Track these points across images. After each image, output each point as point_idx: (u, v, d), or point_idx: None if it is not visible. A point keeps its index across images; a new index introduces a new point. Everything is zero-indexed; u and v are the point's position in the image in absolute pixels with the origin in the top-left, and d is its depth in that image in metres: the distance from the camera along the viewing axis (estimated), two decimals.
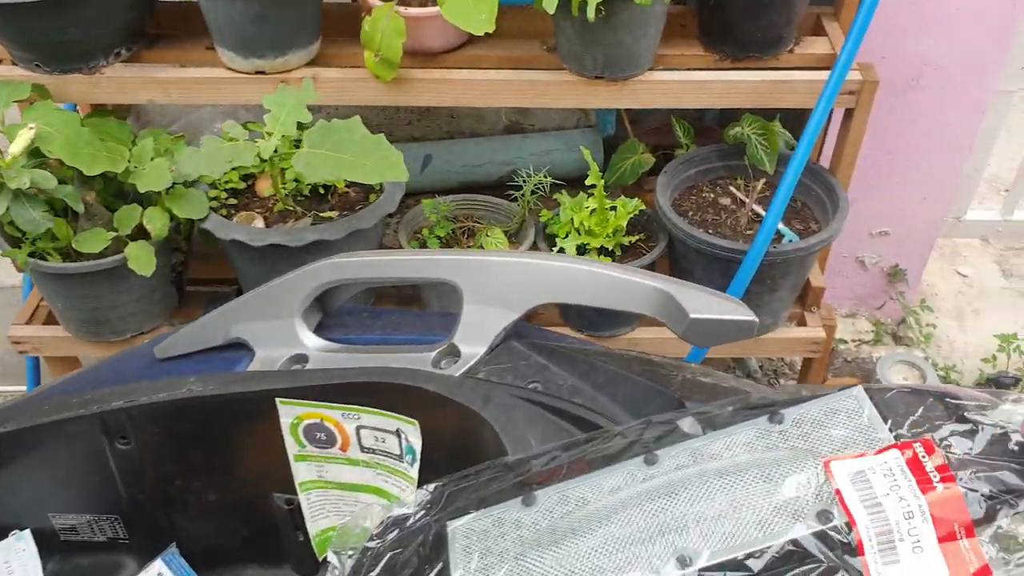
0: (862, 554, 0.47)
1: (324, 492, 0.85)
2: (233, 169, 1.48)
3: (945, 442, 0.50)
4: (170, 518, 0.91)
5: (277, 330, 0.85)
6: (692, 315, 0.67)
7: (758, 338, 1.72)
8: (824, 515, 0.50)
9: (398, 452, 0.80)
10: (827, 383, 1.92)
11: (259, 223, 1.45)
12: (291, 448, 0.83)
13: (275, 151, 1.31)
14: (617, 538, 0.54)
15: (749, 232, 1.55)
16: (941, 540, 0.47)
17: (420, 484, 0.79)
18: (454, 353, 0.79)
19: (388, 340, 0.85)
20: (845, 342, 2.16)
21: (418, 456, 0.78)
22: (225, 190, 1.50)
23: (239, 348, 0.87)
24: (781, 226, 1.56)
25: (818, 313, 1.78)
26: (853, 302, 2.19)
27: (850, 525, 0.48)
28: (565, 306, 1.64)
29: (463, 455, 0.74)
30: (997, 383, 1.95)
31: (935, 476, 0.48)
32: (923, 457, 0.49)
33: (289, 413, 0.80)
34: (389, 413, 0.77)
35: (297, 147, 1.31)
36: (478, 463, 0.68)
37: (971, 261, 2.35)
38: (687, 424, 0.61)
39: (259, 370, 0.82)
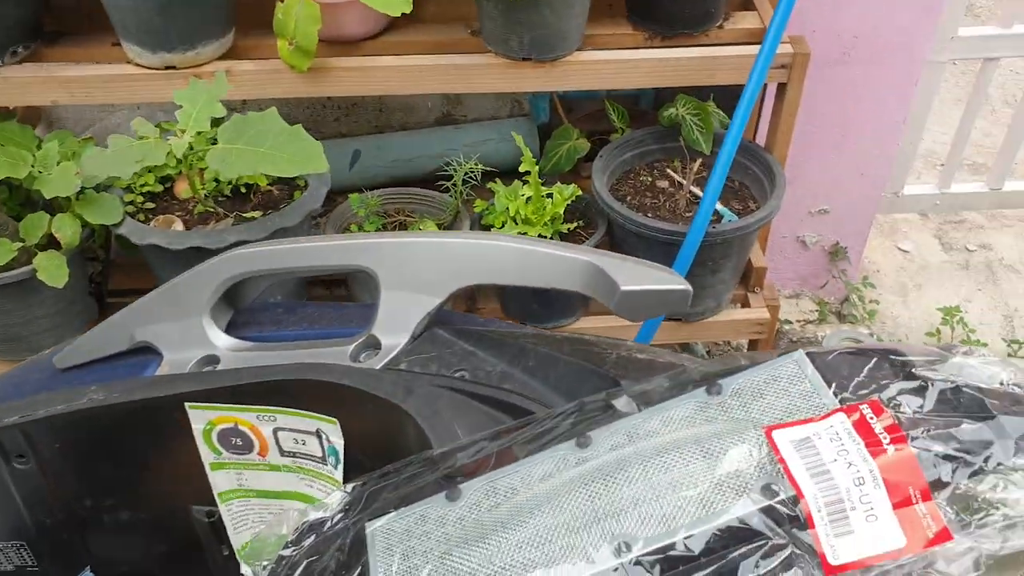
0: (812, 527, 0.43)
1: (246, 501, 0.80)
2: (149, 171, 1.41)
3: (894, 401, 0.46)
4: (83, 540, 0.84)
5: (184, 331, 0.79)
6: (623, 287, 0.63)
7: (702, 322, 1.69)
8: (768, 489, 0.46)
9: (320, 454, 0.74)
10: None
11: (178, 226, 1.38)
12: (206, 456, 0.77)
13: (189, 149, 1.25)
14: (549, 528, 0.50)
15: (688, 214, 1.52)
16: (896, 506, 0.43)
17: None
18: (374, 345, 0.74)
19: (304, 336, 0.79)
20: (790, 323, 2.15)
21: (341, 457, 0.73)
22: (141, 194, 1.42)
23: (146, 352, 0.81)
24: (720, 206, 1.53)
25: (761, 294, 1.76)
26: (796, 282, 2.19)
27: (797, 497, 0.44)
28: (505, 297, 1.59)
29: (389, 452, 0.69)
30: None
31: (885, 438, 0.44)
32: (871, 419, 0.45)
33: (200, 418, 0.74)
34: (307, 413, 0.72)
35: (214, 145, 1.24)
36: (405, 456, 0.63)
37: (911, 236, 2.36)
38: (622, 403, 0.56)
39: (165, 374, 0.76)
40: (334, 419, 0.71)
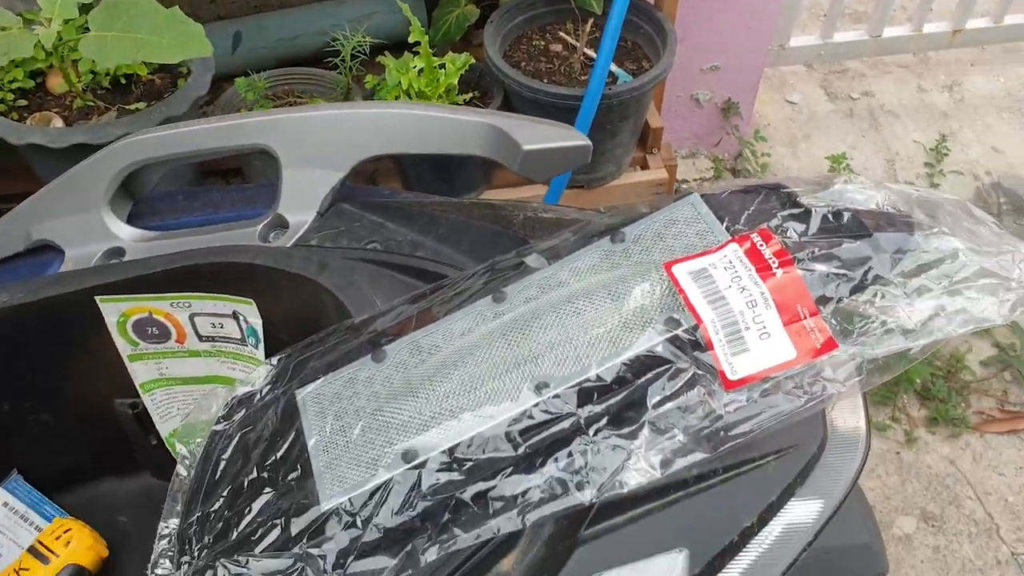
0: (711, 348, 0.47)
1: (168, 390, 0.80)
2: (16, 66, 1.32)
3: (781, 228, 0.49)
4: (6, 445, 0.84)
5: (84, 225, 0.77)
6: (525, 147, 0.64)
7: (604, 187, 1.73)
8: (671, 320, 0.49)
9: (239, 336, 0.75)
10: None
11: (58, 123, 1.32)
12: (123, 348, 0.76)
13: (59, 39, 1.18)
14: (473, 377, 0.52)
15: (583, 77, 1.53)
16: (786, 323, 0.47)
17: None
18: (281, 224, 0.74)
19: (209, 221, 0.78)
20: (687, 182, 2.21)
21: (261, 337, 0.74)
22: (11, 91, 1.34)
23: (45, 251, 0.79)
24: (614, 67, 1.54)
25: (659, 155, 1.80)
26: (692, 141, 2.23)
27: (696, 324, 0.48)
28: (406, 177, 1.59)
29: (311, 328, 0.70)
30: None
31: (774, 262, 0.48)
32: (761, 246, 0.49)
33: (112, 311, 0.73)
34: (221, 296, 0.72)
35: (86, 33, 1.17)
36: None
37: (798, 88, 2.43)
38: (532, 259, 0.59)
39: (69, 271, 0.74)
40: (250, 300, 0.71)
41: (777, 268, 0.48)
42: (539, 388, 0.50)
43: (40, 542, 0.78)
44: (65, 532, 0.78)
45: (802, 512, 0.53)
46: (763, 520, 0.51)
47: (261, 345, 0.74)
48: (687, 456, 0.47)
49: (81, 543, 0.78)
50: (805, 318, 0.47)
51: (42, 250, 0.79)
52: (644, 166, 1.80)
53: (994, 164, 2.34)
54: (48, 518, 0.84)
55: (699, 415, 0.48)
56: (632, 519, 0.51)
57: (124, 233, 0.77)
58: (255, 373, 0.62)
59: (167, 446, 0.84)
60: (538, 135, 0.65)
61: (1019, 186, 2.49)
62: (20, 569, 0.76)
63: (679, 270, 0.49)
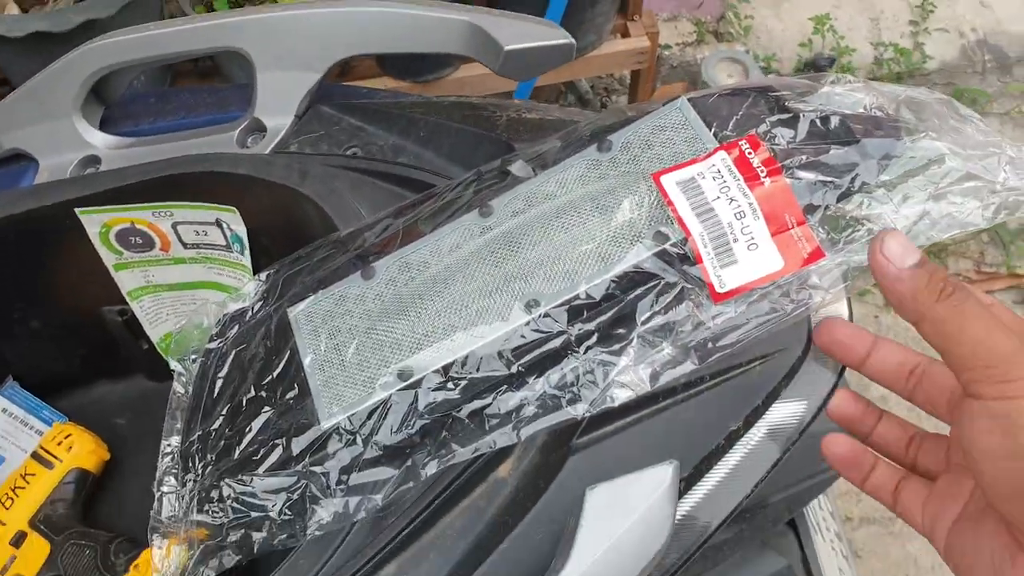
0: (700, 261, 0.47)
1: (156, 296, 0.80)
2: None
3: (769, 135, 0.49)
4: None
5: (56, 132, 0.75)
6: (507, 47, 0.62)
7: (585, 57, 1.69)
8: (659, 234, 0.50)
9: (224, 242, 0.74)
10: (655, 93, 1.94)
11: (13, 9, 1.26)
12: (107, 259, 0.76)
13: None
14: (464, 295, 0.53)
15: None
16: (774, 234, 0.47)
17: (256, 272, 0.76)
18: (259, 128, 0.73)
19: (184, 125, 0.76)
20: (669, 47, 2.16)
21: (246, 244, 0.73)
22: None
23: (18, 160, 0.77)
24: None
25: (640, 22, 1.75)
26: (673, 4, 2.17)
27: (685, 237, 0.48)
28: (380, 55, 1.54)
29: (295, 235, 0.70)
30: (815, 66, 2.01)
31: (762, 171, 0.48)
32: (749, 154, 0.48)
33: (94, 222, 0.73)
34: (203, 205, 0.71)
35: None
36: (310, 240, 0.64)
37: None
38: (517, 167, 0.58)
39: (46, 182, 0.73)
40: (232, 208, 0.71)
41: (765, 177, 0.47)
42: (529, 306, 0.50)
43: (43, 447, 0.80)
44: (66, 437, 0.80)
45: (786, 413, 0.55)
46: (748, 423, 0.53)
47: (247, 251, 0.74)
48: (676, 368, 0.49)
49: (83, 447, 0.80)
50: (793, 227, 0.47)
51: (14, 159, 0.77)
52: (625, 34, 1.75)
53: (981, 21, 2.29)
54: (47, 422, 0.86)
55: (687, 328, 0.48)
56: (622, 427, 0.53)
57: (97, 140, 0.75)
58: (244, 288, 0.62)
59: (158, 349, 0.85)
60: (520, 33, 0.63)
61: (1005, 43, 2.45)
62: (26, 475, 0.78)
63: (667, 180, 0.49)
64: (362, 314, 0.55)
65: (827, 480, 0.70)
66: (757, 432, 0.53)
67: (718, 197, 0.49)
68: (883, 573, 1.51)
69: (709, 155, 0.51)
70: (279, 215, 0.69)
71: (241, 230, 0.72)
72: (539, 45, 0.62)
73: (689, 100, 0.54)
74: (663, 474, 0.44)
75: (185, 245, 0.75)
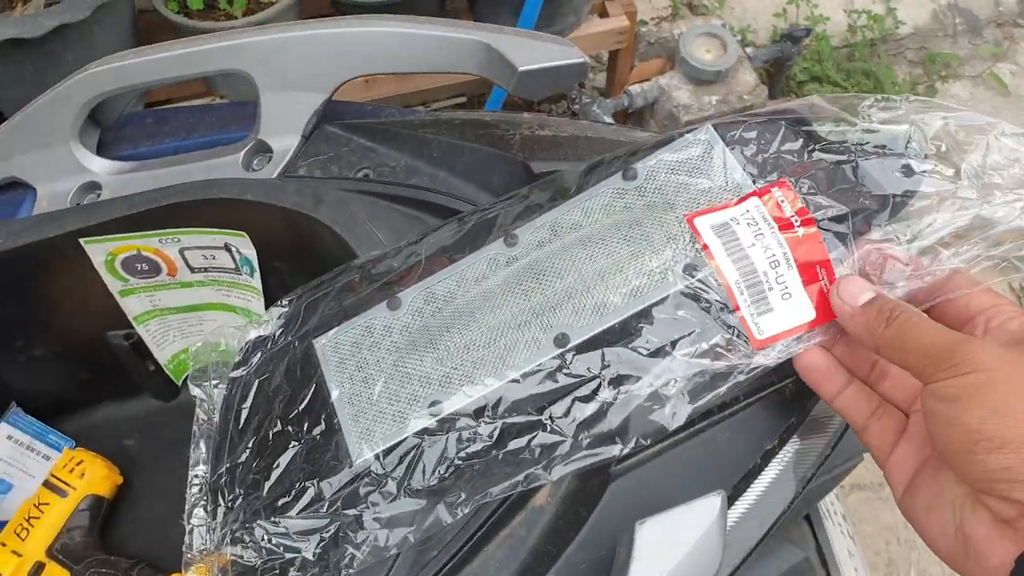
0: (737, 309, 0.48)
1: (163, 319, 0.79)
2: None
3: (801, 181, 0.49)
4: (2, 381, 0.83)
5: (54, 160, 0.73)
6: (521, 68, 0.62)
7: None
8: (690, 269, 0.50)
9: (233, 265, 0.74)
10: (633, 72, 1.93)
11: None
12: (113, 285, 0.75)
13: None
14: (493, 328, 0.53)
15: None
16: (806, 284, 0.47)
17: (266, 292, 0.75)
18: (264, 150, 0.71)
19: (185, 147, 0.75)
20: (645, 23, 2.15)
21: (256, 266, 0.73)
22: None
23: (16, 187, 0.76)
24: None
25: (618, 1, 1.74)
26: None
27: (717, 278, 0.48)
28: None
29: (308, 257, 0.69)
30: (791, 37, 2.01)
31: (796, 220, 0.48)
32: (782, 202, 0.49)
33: (99, 251, 0.71)
34: (212, 230, 0.70)
35: None
36: (324, 265, 0.63)
37: None
38: (539, 196, 0.57)
39: (50, 212, 0.71)
40: (242, 232, 0.70)
41: (799, 227, 0.48)
42: (558, 341, 0.50)
43: (54, 475, 0.79)
44: (78, 464, 0.79)
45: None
46: (783, 441, 0.54)
47: (256, 274, 0.73)
48: (709, 397, 0.49)
49: (96, 473, 0.79)
50: (823, 280, 0.47)
51: (11, 187, 0.75)
52: (603, 14, 1.75)
53: None
54: (54, 446, 0.85)
55: (722, 370, 0.49)
56: (659, 452, 0.53)
57: (97, 166, 0.73)
58: (266, 315, 0.61)
59: (167, 370, 0.84)
60: (534, 54, 0.62)
61: (975, 6, 2.47)
62: (40, 504, 0.78)
63: (702, 224, 0.49)
64: (389, 347, 0.55)
65: (846, 471, 0.72)
66: (790, 450, 0.54)
67: (753, 244, 0.49)
68: (874, 536, 1.54)
69: (743, 199, 0.50)
70: (291, 238, 0.69)
71: (251, 253, 0.71)
72: (553, 65, 0.62)
73: (715, 128, 0.54)
74: (712, 505, 0.45)
75: (192, 269, 0.74)
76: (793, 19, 2.25)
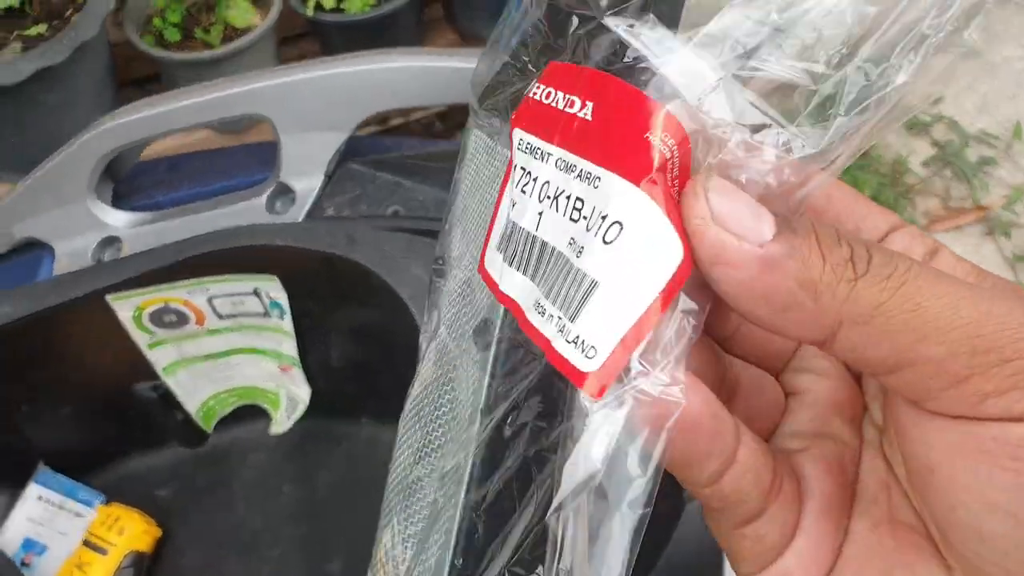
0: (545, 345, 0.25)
1: (191, 368, 0.79)
2: None
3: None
4: (28, 442, 0.82)
5: (71, 217, 0.72)
6: None
7: None
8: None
9: (262, 310, 0.73)
10: None
11: None
12: (140, 340, 0.74)
13: None
14: None
15: None
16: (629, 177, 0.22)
17: (298, 332, 0.75)
18: (286, 192, 0.71)
19: (203, 194, 0.74)
20: None
21: (287, 307, 0.72)
22: None
23: (33, 248, 0.74)
24: None
25: None
26: None
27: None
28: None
29: (341, 297, 0.69)
30: None
31: (576, 104, 0.26)
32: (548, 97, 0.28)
33: (126, 307, 0.71)
34: (241, 276, 0.70)
35: None
36: (361, 303, 0.64)
37: None
38: None
39: (73, 271, 0.70)
40: (273, 276, 0.70)
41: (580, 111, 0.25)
42: None
43: (93, 534, 0.78)
44: (116, 521, 0.78)
45: None
46: None
47: (287, 316, 0.73)
48: None
49: (135, 528, 0.78)
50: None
51: (29, 247, 0.74)
52: None
53: None
54: (85, 502, 0.84)
55: None
56: None
57: (116, 220, 0.72)
58: None
59: (196, 418, 0.83)
60: None
61: None
62: (82, 564, 0.77)
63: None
64: None
65: None
66: None
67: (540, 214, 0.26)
68: None
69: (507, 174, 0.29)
70: (324, 279, 0.68)
71: (282, 296, 0.71)
72: None
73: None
74: None
75: (220, 316, 0.74)
76: None
